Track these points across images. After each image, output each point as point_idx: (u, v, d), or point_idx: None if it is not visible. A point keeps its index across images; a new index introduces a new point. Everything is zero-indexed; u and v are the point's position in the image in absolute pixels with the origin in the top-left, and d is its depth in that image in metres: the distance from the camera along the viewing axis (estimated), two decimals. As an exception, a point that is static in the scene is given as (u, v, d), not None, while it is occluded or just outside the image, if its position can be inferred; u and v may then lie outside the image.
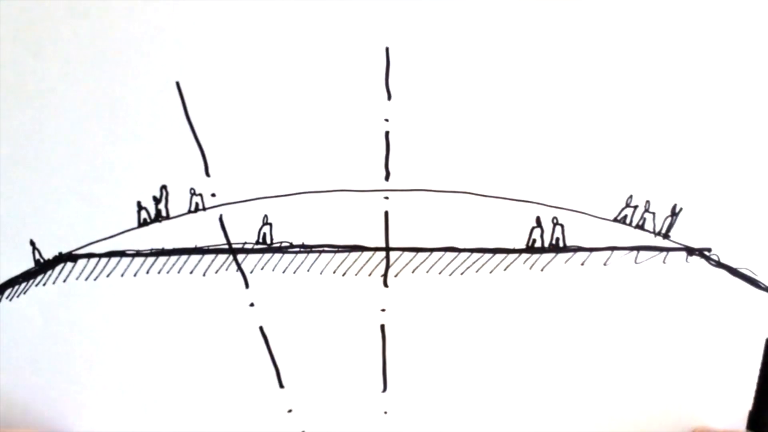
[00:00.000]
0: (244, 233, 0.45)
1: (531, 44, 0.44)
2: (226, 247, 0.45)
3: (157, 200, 0.45)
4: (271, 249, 0.46)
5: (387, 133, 0.45)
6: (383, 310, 0.46)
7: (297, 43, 0.44)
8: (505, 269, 0.46)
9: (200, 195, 0.45)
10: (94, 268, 0.45)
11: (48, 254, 0.45)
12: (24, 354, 0.45)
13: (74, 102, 0.44)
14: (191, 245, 0.45)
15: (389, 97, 0.45)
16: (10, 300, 0.45)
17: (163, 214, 0.45)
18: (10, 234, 0.45)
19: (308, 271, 0.46)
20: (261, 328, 0.46)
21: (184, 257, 0.46)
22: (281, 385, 0.46)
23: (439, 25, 0.44)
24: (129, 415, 0.46)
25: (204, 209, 0.45)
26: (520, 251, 0.46)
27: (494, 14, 0.44)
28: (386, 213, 0.46)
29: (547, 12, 0.43)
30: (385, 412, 0.47)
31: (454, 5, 0.44)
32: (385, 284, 0.46)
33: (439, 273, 0.46)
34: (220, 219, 0.45)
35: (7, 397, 0.45)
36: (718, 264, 0.46)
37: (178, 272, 0.46)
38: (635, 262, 0.46)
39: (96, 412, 0.46)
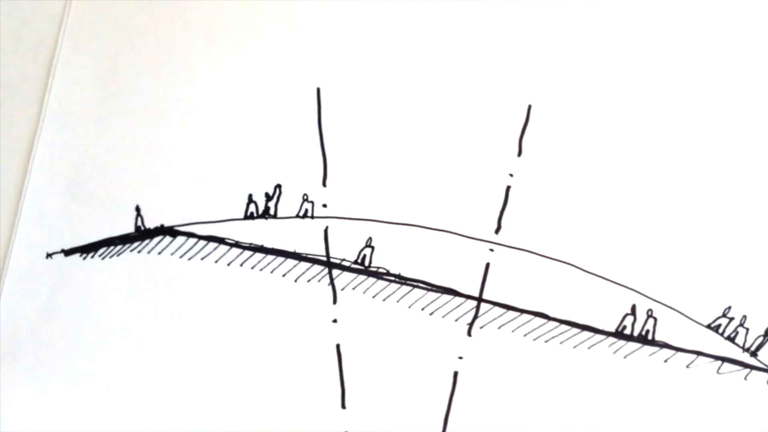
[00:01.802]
0: (344, 250, 0.46)
1: (680, 135, 0.44)
2: (324, 259, 0.46)
3: (268, 197, 0.45)
4: (367, 272, 0.46)
5: (508, 188, 0.45)
6: (461, 357, 0.46)
7: (444, 84, 0.45)
8: (589, 348, 0.46)
9: (312, 203, 0.45)
10: (191, 248, 0.45)
11: (150, 224, 0.45)
12: (104, 312, 0.45)
13: (218, 90, 0.44)
14: (291, 249, 0.46)
15: (519, 154, 0.45)
16: (102, 259, 0.46)
17: (271, 212, 0.46)
18: (118, 196, 0.45)
19: (398, 302, 0.46)
20: (338, 346, 0.46)
21: (280, 259, 0.46)
22: (344, 406, 0.46)
23: (584, 87, 0.45)
24: (180, 393, 0.46)
25: (312, 217, 0.46)
26: (608, 334, 0.46)
27: (640, 84, 0.44)
28: (487, 264, 0.46)
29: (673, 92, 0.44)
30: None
31: (598, 69, 0.45)
32: (469, 333, 0.46)
33: (524, 335, 0.46)
34: (325, 231, 0.46)
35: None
36: (799, 394, 0.46)
37: (271, 272, 0.46)
38: (717, 372, 0.46)
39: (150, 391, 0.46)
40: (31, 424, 0.45)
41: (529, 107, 0.45)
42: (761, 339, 0.46)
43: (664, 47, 0.45)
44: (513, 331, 0.46)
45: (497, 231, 0.45)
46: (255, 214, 0.45)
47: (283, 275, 0.46)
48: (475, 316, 0.46)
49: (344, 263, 0.46)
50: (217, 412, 0.45)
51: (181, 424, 0.45)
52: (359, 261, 0.46)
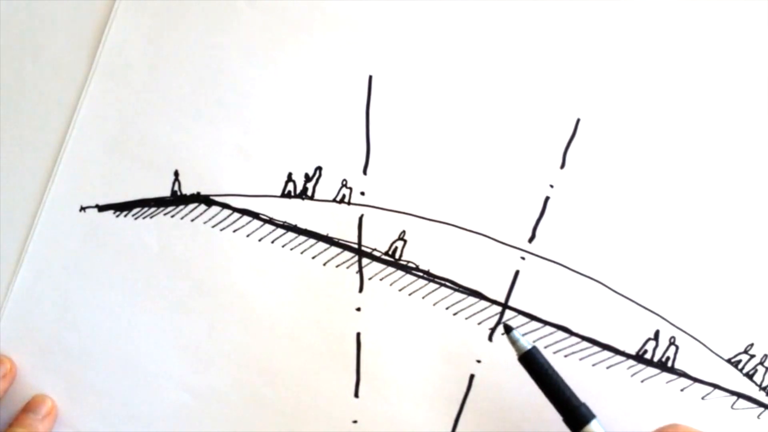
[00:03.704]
0: (376, 240, 0.46)
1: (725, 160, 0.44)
2: (356, 246, 0.46)
3: (308, 178, 0.45)
4: (396, 264, 0.46)
5: (547, 199, 0.45)
6: (479, 361, 0.46)
7: (495, 88, 0.45)
8: (607, 368, 0.46)
9: (350, 189, 0.45)
10: (225, 218, 0.45)
11: (186, 190, 0.45)
12: (130, 273, 0.45)
13: (271, 67, 0.44)
14: (323, 232, 0.46)
15: (563, 166, 0.45)
16: (135, 219, 0.45)
17: (308, 193, 0.46)
18: (158, 159, 0.45)
19: (423, 298, 0.46)
20: (358, 335, 0.46)
21: (312, 241, 0.46)
22: (357, 395, 0.46)
23: (634, 107, 0.45)
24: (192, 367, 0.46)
25: (348, 203, 0.46)
26: (628, 356, 0.46)
27: (691, 112, 0.44)
28: (517, 272, 0.46)
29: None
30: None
31: (651, 90, 0.45)
32: (490, 338, 0.46)
33: (545, 347, 0.46)
34: (360, 218, 0.46)
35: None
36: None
37: (301, 253, 0.46)
38: (731, 408, 0.46)
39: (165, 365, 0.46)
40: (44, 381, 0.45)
41: (578, 121, 0.45)
42: (779, 380, 0.46)
43: (722, 71, 0.45)
44: (534, 342, 0.46)
45: (531, 240, 0.45)
46: (292, 194, 0.45)
47: (313, 257, 0.46)
48: (498, 322, 0.46)
49: (375, 253, 0.46)
50: (229, 382, 0.45)
51: (194, 388, 0.45)
52: (390, 253, 0.46)
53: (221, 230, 0.45)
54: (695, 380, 0.46)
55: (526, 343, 0.43)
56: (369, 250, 0.46)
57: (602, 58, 0.45)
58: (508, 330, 0.43)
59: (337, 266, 0.46)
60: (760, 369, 0.46)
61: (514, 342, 0.43)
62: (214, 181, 0.45)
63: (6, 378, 0.44)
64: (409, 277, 0.46)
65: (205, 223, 0.45)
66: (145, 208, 0.45)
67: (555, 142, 0.45)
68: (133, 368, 0.45)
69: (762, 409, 0.46)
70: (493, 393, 0.46)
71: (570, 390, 0.42)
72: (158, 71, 0.45)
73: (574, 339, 0.46)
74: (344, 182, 0.45)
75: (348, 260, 0.46)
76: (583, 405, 0.42)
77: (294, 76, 0.45)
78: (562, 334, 0.46)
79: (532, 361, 0.42)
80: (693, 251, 0.45)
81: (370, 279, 0.46)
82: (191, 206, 0.45)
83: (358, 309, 0.46)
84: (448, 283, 0.46)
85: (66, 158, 0.45)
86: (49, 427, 0.44)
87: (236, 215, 0.45)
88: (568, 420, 0.42)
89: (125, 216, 0.45)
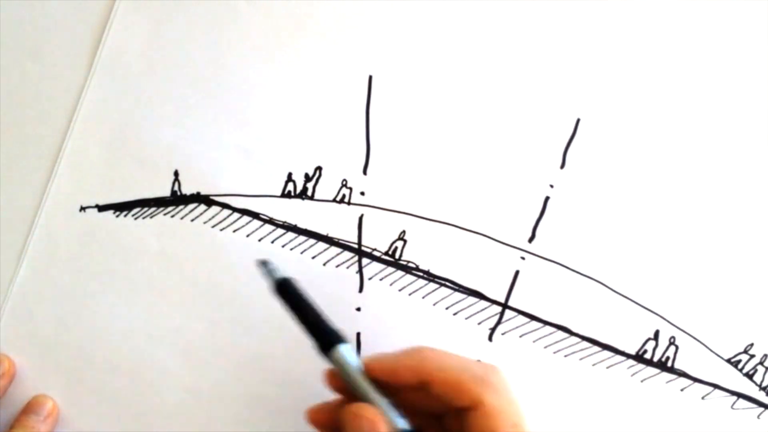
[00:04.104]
0: (376, 240, 0.46)
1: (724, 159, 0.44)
2: (356, 246, 0.46)
3: (308, 178, 0.45)
4: (396, 264, 0.46)
5: (547, 199, 0.45)
6: (478, 361, 0.46)
7: (496, 88, 0.45)
8: (607, 367, 0.46)
9: (350, 189, 0.45)
10: (225, 219, 0.45)
11: (186, 190, 0.45)
12: (130, 272, 0.45)
13: (272, 66, 0.44)
14: (324, 232, 0.46)
15: (563, 165, 0.45)
16: (135, 219, 0.45)
17: (308, 193, 0.46)
18: (158, 159, 0.45)
19: (423, 298, 0.46)
20: (358, 335, 0.46)
21: (312, 241, 0.46)
22: (356, 396, 0.46)
23: (634, 108, 0.45)
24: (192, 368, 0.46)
25: (348, 203, 0.46)
26: (628, 356, 0.46)
27: (692, 114, 0.44)
28: (517, 272, 0.46)
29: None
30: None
31: (652, 92, 0.45)
32: (490, 338, 0.46)
33: (545, 347, 0.46)
34: (360, 218, 0.45)
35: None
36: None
37: (301, 253, 0.46)
38: (731, 407, 0.46)
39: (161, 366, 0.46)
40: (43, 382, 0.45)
41: (578, 121, 0.45)
42: (779, 380, 0.46)
43: (722, 71, 0.45)
44: (534, 342, 0.46)
45: (531, 240, 0.45)
46: (292, 194, 0.45)
47: (313, 257, 0.46)
48: (498, 322, 0.46)
49: (375, 253, 0.46)
50: (229, 382, 0.45)
51: (194, 388, 0.45)
52: (390, 253, 0.46)
53: (221, 230, 0.45)
54: (695, 380, 0.46)
55: (280, 274, 0.40)
56: (369, 250, 0.46)
57: (602, 58, 0.45)
58: (263, 263, 0.41)
59: (337, 266, 0.46)
60: (760, 369, 0.46)
61: (268, 273, 0.40)
62: (214, 181, 0.45)
63: (5, 376, 0.44)
64: (409, 277, 0.46)
65: (205, 223, 0.45)
66: (145, 208, 0.45)
67: (555, 142, 0.45)
68: (133, 368, 0.45)
69: (762, 409, 0.46)
70: (493, 393, 0.46)
71: (325, 316, 0.39)
72: (158, 71, 0.45)
73: (574, 339, 0.46)
74: (344, 182, 0.45)
75: (348, 260, 0.46)
76: (339, 330, 0.39)
77: (294, 76, 0.45)
78: (562, 334, 0.46)
79: (287, 291, 0.40)
80: (693, 251, 0.45)
81: (370, 279, 0.46)
82: (191, 206, 0.45)
83: (358, 309, 0.46)
84: (448, 283, 0.46)
85: (66, 158, 0.45)
86: (51, 427, 0.44)
87: (236, 215, 0.45)
88: (323, 345, 0.39)
89: (125, 216, 0.45)
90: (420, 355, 0.38)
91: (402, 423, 0.36)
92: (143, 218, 0.45)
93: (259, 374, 0.45)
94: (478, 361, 0.37)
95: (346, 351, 0.38)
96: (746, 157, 0.45)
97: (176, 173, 0.45)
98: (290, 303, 0.40)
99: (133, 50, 0.45)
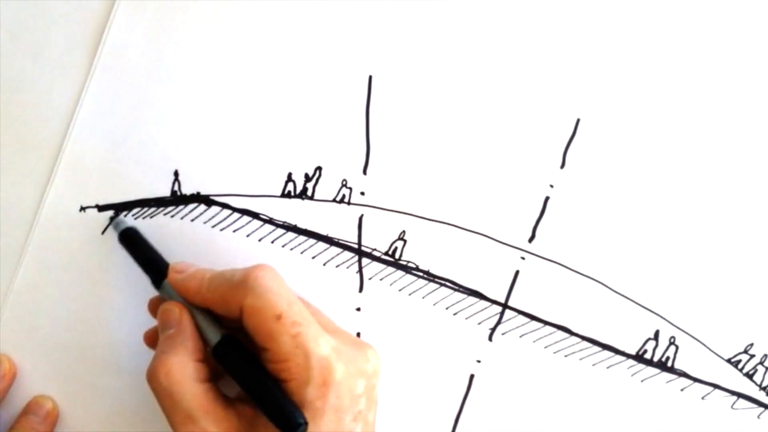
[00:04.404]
0: (376, 240, 0.46)
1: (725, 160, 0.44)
2: (356, 247, 0.46)
3: (307, 178, 0.45)
4: (396, 264, 0.46)
5: (547, 199, 0.45)
6: (479, 361, 0.46)
7: (496, 88, 0.45)
8: (608, 367, 0.46)
9: (350, 189, 0.45)
10: (225, 218, 0.45)
11: (186, 190, 0.45)
12: (130, 273, 0.45)
13: (272, 67, 0.44)
14: (323, 232, 0.46)
15: (563, 165, 0.45)
16: (135, 219, 0.45)
17: (308, 193, 0.46)
18: (158, 159, 0.45)
19: (423, 298, 0.46)
20: (358, 335, 0.46)
21: (312, 241, 0.46)
22: (356, 396, 0.46)
23: (634, 108, 0.45)
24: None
25: (348, 203, 0.46)
26: (628, 356, 0.46)
27: (692, 114, 0.44)
28: (517, 272, 0.46)
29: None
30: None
31: (652, 91, 0.45)
32: (490, 338, 0.46)
33: (545, 347, 0.46)
34: (360, 218, 0.46)
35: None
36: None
37: (301, 253, 0.46)
38: (731, 407, 0.46)
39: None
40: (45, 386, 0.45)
41: (578, 121, 0.45)
42: (779, 379, 0.46)
43: (722, 71, 0.45)
44: (534, 342, 0.46)
45: (531, 240, 0.45)
46: (292, 194, 0.45)
47: (313, 257, 0.46)
48: (498, 322, 0.46)
49: (375, 253, 0.46)
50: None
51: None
52: (390, 253, 0.46)
53: (221, 230, 0.45)
54: (695, 380, 0.46)
55: (125, 224, 0.44)
56: (369, 250, 0.46)
57: (602, 58, 0.45)
58: (112, 219, 0.44)
59: (337, 266, 0.46)
60: (760, 369, 0.46)
61: (115, 226, 0.44)
62: (214, 181, 0.45)
63: (6, 378, 0.44)
64: (409, 277, 0.46)
65: (205, 223, 0.45)
66: (145, 208, 0.45)
67: (555, 142, 0.45)
68: (133, 368, 0.45)
69: (762, 409, 0.46)
70: (493, 393, 0.46)
71: (158, 256, 0.43)
72: (158, 71, 0.45)
73: (574, 339, 0.46)
74: (344, 182, 0.45)
75: (348, 260, 0.46)
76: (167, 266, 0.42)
77: (294, 76, 0.45)
78: (562, 334, 0.46)
79: (130, 238, 0.43)
80: (693, 251, 0.45)
81: (370, 279, 0.46)
82: (191, 206, 0.45)
83: (358, 309, 0.46)
84: (448, 283, 0.46)
85: (66, 158, 0.45)
86: (51, 428, 0.44)
87: (236, 215, 0.45)
88: (154, 280, 0.42)
89: (125, 216, 0.45)
90: (198, 279, 0.40)
91: (214, 334, 0.39)
92: (143, 218, 0.45)
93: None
94: (245, 267, 0.39)
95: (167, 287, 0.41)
96: (746, 157, 0.45)
97: (176, 173, 0.45)
98: (129, 248, 0.43)
99: (133, 50, 0.45)
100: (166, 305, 0.40)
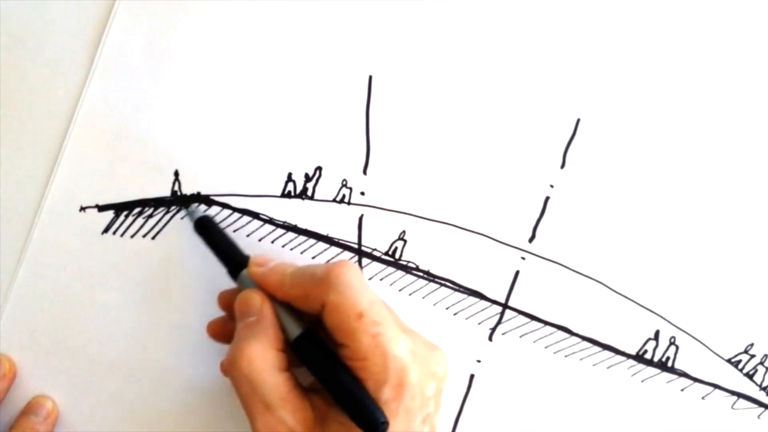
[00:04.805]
0: (376, 240, 0.46)
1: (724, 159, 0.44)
2: (356, 247, 0.46)
3: (308, 178, 0.45)
4: (397, 264, 0.46)
5: (547, 199, 0.45)
6: (479, 361, 0.46)
7: (496, 88, 0.45)
8: (608, 368, 0.46)
9: (350, 189, 0.45)
10: (225, 218, 0.45)
11: (187, 190, 0.45)
12: (130, 272, 0.45)
13: (272, 67, 0.44)
14: (324, 232, 0.46)
15: (563, 165, 0.45)
16: (135, 219, 0.45)
17: (308, 193, 0.46)
18: (159, 159, 0.45)
19: (423, 298, 0.46)
20: (358, 335, 0.46)
21: (312, 241, 0.46)
22: (356, 396, 0.46)
23: (635, 108, 0.45)
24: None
25: (348, 203, 0.46)
26: (629, 356, 0.46)
27: (692, 114, 0.44)
28: (517, 272, 0.46)
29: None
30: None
31: (653, 92, 0.45)
32: (490, 338, 0.46)
33: (545, 347, 0.46)
34: (360, 218, 0.45)
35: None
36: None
37: (302, 253, 0.46)
38: (731, 408, 0.46)
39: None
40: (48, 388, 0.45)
41: (578, 121, 0.45)
42: (779, 380, 0.46)
43: (722, 71, 0.45)
44: (534, 342, 0.46)
45: (531, 240, 0.45)
46: (292, 194, 0.45)
47: (313, 257, 0.46)
48: (499, 322, 0.46)
49: (375, 253, 0.46)
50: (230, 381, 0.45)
51: (194, 387, 0.45)
52: (390, 253, 0.46)
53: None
54: (695, 380, 0.46)
55: (200, 213, 0.44)
56: (369, 250, 0.46)
57: (602, 58, 0.45)
58: (187, 207, 0.45)
59: (337, 266, 0.45)
60: (760, 369, 0.46)
61: (189, 214, 0.44)
62: (214, 181, 0.45)
63: (6, 378, 0.44)
64: (410, 278, 0.46)
65: (205, 223, 0.45)
66: (145, 208, 0.45)
67: (555, 142, 0.45)
68: (133, 368, 0.45)
69: (762, 409, 0.46)
70: (493, 393, 0.46)
71: (237, 247, 0.43)
72: (158, 71, 0.45)
73: (575, 339, 0.46)
74: (344, 182, 0.45)
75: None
76: (246, 257, 0.42)
77: (294, 76, 0.45)
78: (562, 334, 0.46)
79: (205, 227, 0.43)
80: (693, 251, 0.45)
81: (370, 279, 0.46)
82: (192, 206, 0.45)
83: (358, 309, 0.46)
84: (448, 283, 0.46)
85: (66, 158, 0.45)
86: (51, 428, 0.44)
87: (236, 215, 0.45)
88: (232, 271, 0.42)
89: (125, 216, 0.45)
90: (279, 274, 0.39)
91: (294, 326, 0.39)
92: (143, 218, 0.45)
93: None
94: (326, 263, 0.39)
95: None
96: (746, 157, 0.45)
97: (176, 173, 0.45)
98: (205, 237, 0.43)
99: (133, 50, 0.45)
100: (247, 293, 0.39)
